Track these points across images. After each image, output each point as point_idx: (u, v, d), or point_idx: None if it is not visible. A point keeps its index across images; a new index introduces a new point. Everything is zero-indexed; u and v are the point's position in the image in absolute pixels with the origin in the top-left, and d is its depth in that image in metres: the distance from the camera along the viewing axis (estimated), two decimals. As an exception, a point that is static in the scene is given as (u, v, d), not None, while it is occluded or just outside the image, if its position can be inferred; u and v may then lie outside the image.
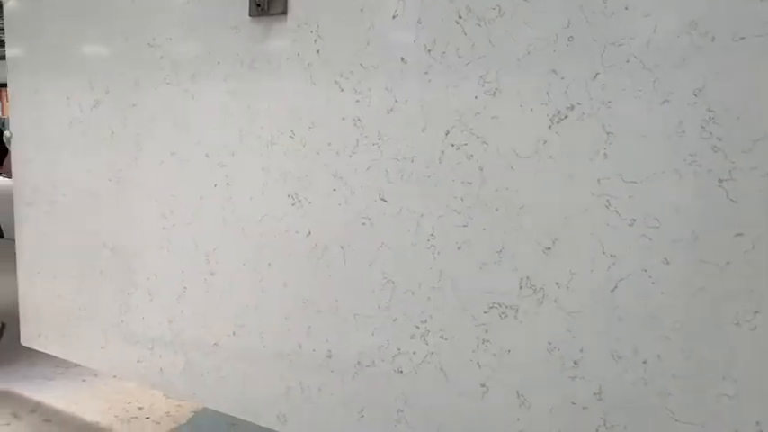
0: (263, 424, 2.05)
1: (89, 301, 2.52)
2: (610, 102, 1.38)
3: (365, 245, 1.78)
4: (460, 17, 1.54)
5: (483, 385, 1.63)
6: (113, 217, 2.39)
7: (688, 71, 1.30)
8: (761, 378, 1.30)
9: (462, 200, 1.60)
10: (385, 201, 1.72)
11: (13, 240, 2.70)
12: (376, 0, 1.67)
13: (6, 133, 2.66)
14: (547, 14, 1.44)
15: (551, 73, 1.45)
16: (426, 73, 1.62)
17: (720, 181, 1.29)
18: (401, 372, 1.76)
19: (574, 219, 1.45)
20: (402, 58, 1.65)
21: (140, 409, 2.51)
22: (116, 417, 2.41)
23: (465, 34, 1.54)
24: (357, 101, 1.74)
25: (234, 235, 2.04)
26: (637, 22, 1.34)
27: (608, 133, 1.39)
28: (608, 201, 1.41)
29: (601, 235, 1.43)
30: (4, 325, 2.98)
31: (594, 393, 1.48)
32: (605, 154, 1.40)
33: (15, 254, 2.71)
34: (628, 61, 1.36)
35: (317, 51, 1.79)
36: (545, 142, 1.47)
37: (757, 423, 1.32)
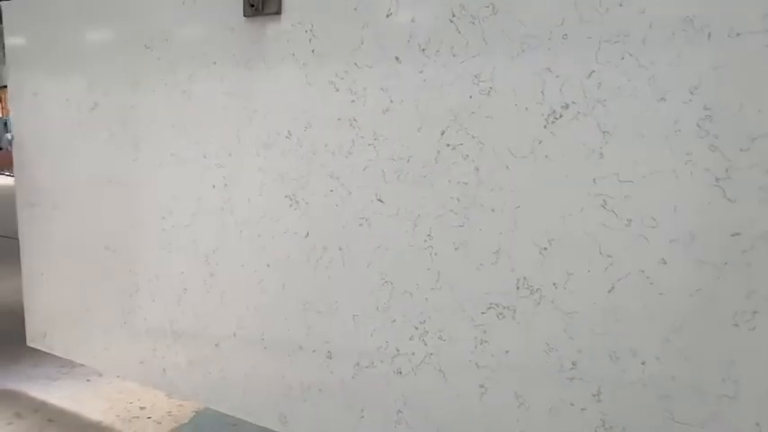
0: (264, 424, 2.05)
1: (92, 302, 2.53)
2: (605, 100, 1.36)
3: (363, 246, 1.77)
4: (454, 15, 1.53)
5: (482, 386, 1.62)
6: (114, 218, 2.39)
7: (684, 68, 1.28)
8: (761, 379, 1.29)
9: (459, 200, 1.59)
10: (382, 201, 1.71)
11: (17, 239, 2.71)
12: (369, -1, 1.65)
13: (7, 135, 2.67)
14: (541, 12, 1.42)
15: (546, 71, 1.43)
16: (421, 72, 1.60)
17: (717, 180, 1.27)
18: (400, 373, 1.75)
19: (570, 219, 1.44)
20: (397, 58, 1.64)
21: (142, 408, 2.52)
22: (118, 416, 2.43)
23: (459, 33, 1.53)
24: (352, 101, 1.72)
25: (233, 236, 2.04)
26: (632, 19, 1.32)
27: (603, 132, 1.37)
28: (604, 201, 1.39)
29: (597, 235, 1.41)
30: None
31: (593, 395, 1.47)
32: (601, 153, 1.38)
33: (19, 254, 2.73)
34: (623, 58, 1.34)
35: (312, 51, 1.77)
36: (540, 142, 1.45)
37: (757, 424, 1.30)
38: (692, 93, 1.28)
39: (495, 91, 1.50)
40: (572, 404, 1.50)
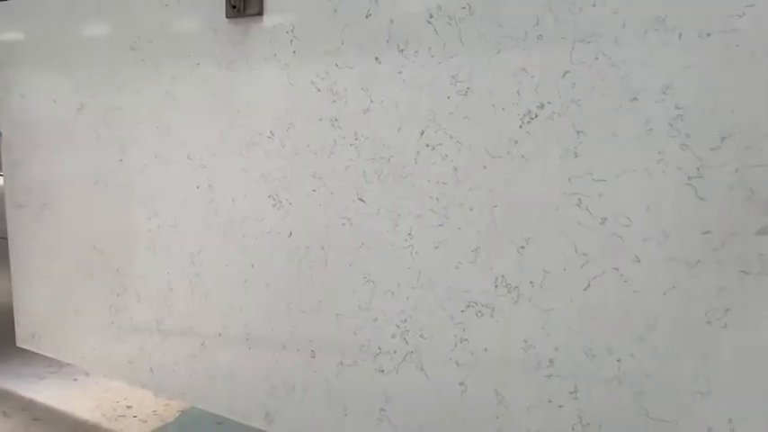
0: (249, 423, 2.06)
1: (81, 302, 2.54)
2: (579, 100, 1.38)
3: (345, 245, 1.78)
4: (431, 16, 1.54)
5: (462, 383, 1.63)
6: (101, 219, 2.40)
7: (656, 68, 1.29)
8: (732, 375, 1.30)
9: (438, 200, 1.60)
10: (363, 201, 1.72)
11: (6, 239, 2.72)
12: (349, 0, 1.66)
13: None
14: (516, 12, 1.43)
15: (522, 71, 1.44)
16: (400, 72, 1.61)
17: (689, 178, 1.29)
18: (383, 371, 1.76)
19: (546, 218, 1.45)
20: (376, 58, 1.65)
21: (129, 407, 2.53)
22: (104, 415, 2.43)
23: (437, 34, 1.54)
24: (334, 101, 1.73)
25: (217, 236, 2.05)
26: (605, 19, 1.33)
27: (578, 132, 1.39)
28: (579, 199, 1.40)
29: (573, 234, 1.42)
30: None
31: (570, 392, 1.48)
32: (576, 153, 1.39)
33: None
34: (596, 58, 1.35)
35: (294, 52, 1.79)
36: (516, 142, 1.46)
37: (730, 420, 1.32)
38: (663, 92, 1.29)
39: (473, 91, 1.51)
40: (550, 401, 1.51)
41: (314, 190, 1.81)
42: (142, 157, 2.21)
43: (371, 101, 1.67)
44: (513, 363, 1.55)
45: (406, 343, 1.71)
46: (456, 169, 1.56)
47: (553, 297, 1.47)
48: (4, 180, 2.73)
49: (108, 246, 2.40)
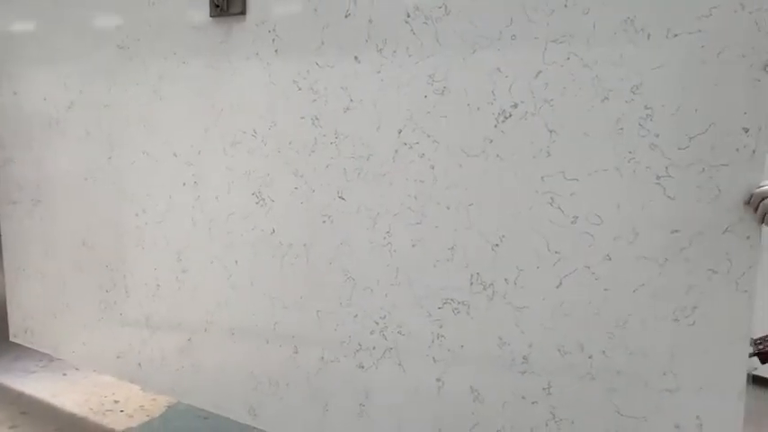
0: (234, 418, 2.09)
1: (71, 298, 2.57)
2: (552, 100, 1.39)
3: (326, 242, 1.80)
4: (409, 16, 1.55)
5: (439, 380, 1.65)
6: (91, 215, 2.42)
7: (626, 68, 1.30)
8: (700, 373, 1.31)
9: (416, 198, 1.62)
10: (343, 199, 1.74)
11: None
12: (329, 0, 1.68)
13: None
14: (490, 12, 1.44)
15: (496, 71, 1.45)
16: (379, 72, 1.63)
17: (658, 178, 1.30)
18: (362, 367, 1.78)
19: (519, 216, 1.46)
20: (356, 58, 1.66)
21: (116, 402, 2.56)
22: (91, 409, 2.47)
23: (414, 33, 1.55)
24: (314, 100, 1.75)
25: (203, 233, 2.07)
26: (576, 20, 1.34)
27: (550, 131, 1.40)
28: (552, 198, 1.42)
29: (545, 232, 1.44)
30: None
31: (543, 388, 1.50)
32: (548, 152, 1.41)
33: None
34: (568, 59, 1.36)
35: (276, 51, 1.80)
36: (491, 141, 1.48)
37: (697, 417, 1.33)
38: (633, 92, 1.30)
39: (449, 91, 1.52)
40: (524, 397, 1.53)
41: (296, 188, 1.83)
42: (130, 154, 2.23)
43: (351, 100, 1.69)
44: (489, 359, 1.57)
45: (385, 339, 1.73)
46: (433, 167, 1.57)
47: (527, 294, 1.49)
48: (-3, 176, 2.76)
49: (98, 242, 2.42)
